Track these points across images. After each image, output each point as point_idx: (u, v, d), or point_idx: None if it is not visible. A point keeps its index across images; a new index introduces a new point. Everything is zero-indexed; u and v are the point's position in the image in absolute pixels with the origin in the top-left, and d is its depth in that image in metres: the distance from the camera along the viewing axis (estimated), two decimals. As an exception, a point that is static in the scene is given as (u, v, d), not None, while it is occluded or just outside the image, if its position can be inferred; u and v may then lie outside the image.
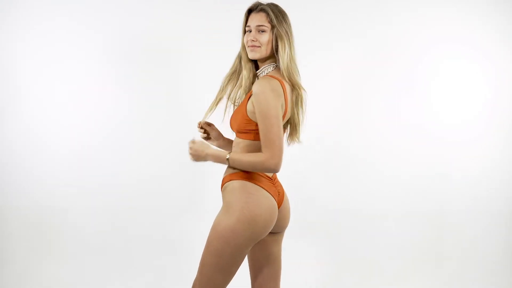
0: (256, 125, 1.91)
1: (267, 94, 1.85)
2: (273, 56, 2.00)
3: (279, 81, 1.92)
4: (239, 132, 1.98)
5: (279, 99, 1.88)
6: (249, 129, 1.94)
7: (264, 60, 2.00)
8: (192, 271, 3.32)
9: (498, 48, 3.39)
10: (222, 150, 2.05)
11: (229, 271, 1.94)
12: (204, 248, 1.95)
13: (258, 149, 1.94)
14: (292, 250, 3.37)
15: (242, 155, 1.90)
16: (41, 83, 3.30)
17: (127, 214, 3.34)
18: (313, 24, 3.26)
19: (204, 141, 2.05)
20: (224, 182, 2.01)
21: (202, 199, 3.33)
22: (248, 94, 1.97)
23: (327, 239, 3.41)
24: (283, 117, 1.94)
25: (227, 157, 1.91)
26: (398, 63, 3.37)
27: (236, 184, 1.94)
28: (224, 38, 3.24)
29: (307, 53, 3.28)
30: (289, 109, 1.97)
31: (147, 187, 3.34)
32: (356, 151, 3.38)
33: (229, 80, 2.08)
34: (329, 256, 3.39)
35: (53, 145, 3.31)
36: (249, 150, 1.95)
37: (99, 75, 3.31)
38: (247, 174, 1.95)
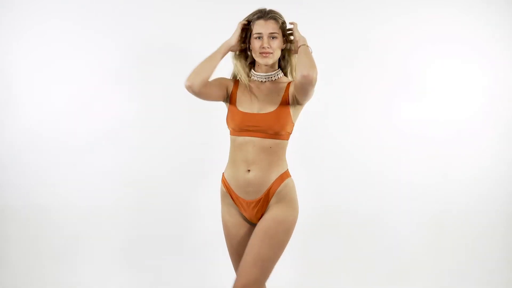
0: (292, 126, 2.18)
1: None
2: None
3: None
4: (284, 134, 2.14)
5: None
6: (289, 131, 2.17)
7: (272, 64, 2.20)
8: (191, 270, 3.35)
9: (496, 48, 3.38)
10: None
11: None
12: (265, 245, 2.06)
13: (285, 148, 2.19)
14: (291, 249, 3.37)
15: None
16: (40, 83, 3.29)
17: (127, 214, 3.34)
18: (310, 24, 3.24)
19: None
20: (280, 182, 2.15)
21: (202, 199, 3.33)
22: (285, 99, 2.14)
23: (326, 238, 3.40)
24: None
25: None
26: (396, 62, 3.37)
27: (291, 182, 2.20)
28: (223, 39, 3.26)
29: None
30: None
31: (147, 186, 3.34)
32: (355, 152, 3.38)
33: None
34: (328, 255, 3.39)
35: (52, 145, 3.30)
36: (285, 150, 2.20)
37: (98, 75, 3.31)
38: (288, 171, 2.21)
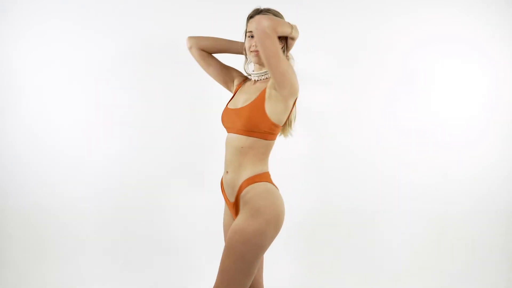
0: (270, 124, 1.99)
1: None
2: None
3: None
4: (254, 132, 2.01)
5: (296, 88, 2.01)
6: (262, 130, 2.01)
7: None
8: (192, 271, 3.35)
9: (497, 48, 3.39)
10: None
11: (251, 273, 1.95)
12: (225, 254, 1.94)
13: (267, 150, 2.05)
14: (292, 249, 3.37)
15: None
16: (41, 83, 3.29)
17: (128, 214, 3.34)
18: (311, 24, 3.26)
19: None
20: (244, 186, 2.03)
21: (202, 199, 3.33)
22: (261, 94, 2.02)
23: (327, 238, 3.40)
24: (287, 118, 2.07)
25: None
26: (398, 63, 3.37)
27: (262, 187, 2.00)
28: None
29: (305, 53, 3.32)
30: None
31: (147, 187, 3.34)
32: (356, 151, 3.38)
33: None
34: (328, 255, 3.39)
35: (53, 145, 3.31)
36: (262, 151, 2.05)
37: (99, 75, 3.31)
38: (265, 176, 2.03)
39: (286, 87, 1.96)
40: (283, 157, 3.38)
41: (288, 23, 1.98)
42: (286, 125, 2.15)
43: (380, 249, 3.40)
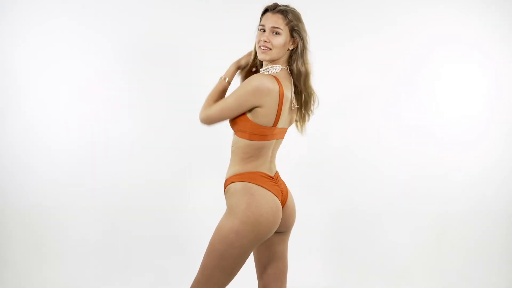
0: (251, 125, 1.92)
1: (248, 85, 1.88)
2: (283, 58, 2.00)
3: (278, 83, 1.91)
4: (237, 131, 1.98)
5: (255, 96, 1.87)
6: (243, 129, 1.95)
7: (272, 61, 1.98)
8: (192, 271, 3.34)
9: (497, 48, 3.39)
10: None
11: (231, 272, 1.94)
12: (206, 250, 1.94)
13: (254, 150, 1.96)
14: (292, 250, 3.37)
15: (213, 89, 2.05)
16: (42, 83, 3.29)
17: (128, 214, 3.34)
18: (314, 24, 3.25)
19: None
20: (226, 185, 2.03)
21: (202, 199, 3.33)
22: None
23: (327, 239, 3.40)
24: (276, 119, 1.93)
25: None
26: (399, 63, 3.37)
27: (238, 186, 1.95)
28: (226, 38, 3.26)
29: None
30: (283, 112, 1.95)
31: (147, 187, 3.34)
32: (356, 151, 3.38)
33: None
34: (329, 256, 3.39)
35: (53, 145, 3.30)
36: (246, 151, 1.97)
37: (100, 75, 3.31)
38: (248, 175, 1.96)
39: (242, 110, 1.93)
40: (283, 157, 3.38)
41: (215, 88, 2.04)
42: (297, 122, 2.11)
43: (380, 250, 3.40)
